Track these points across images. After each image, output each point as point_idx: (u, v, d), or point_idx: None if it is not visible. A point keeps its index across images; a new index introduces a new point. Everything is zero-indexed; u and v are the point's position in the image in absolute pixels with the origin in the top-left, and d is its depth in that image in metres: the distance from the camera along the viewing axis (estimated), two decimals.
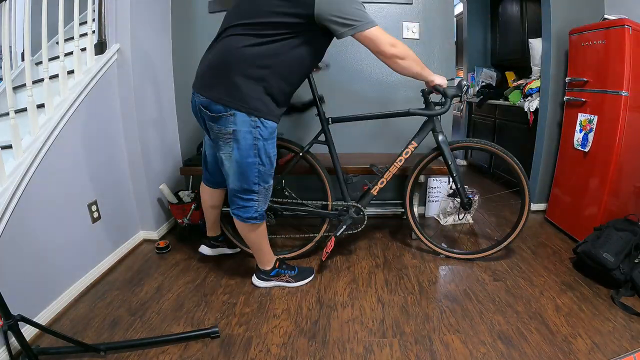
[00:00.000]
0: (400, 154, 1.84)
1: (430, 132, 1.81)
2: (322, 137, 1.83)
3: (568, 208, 2.29)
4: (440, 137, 1.80)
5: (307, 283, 1.76)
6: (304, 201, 1.93)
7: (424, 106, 1.81)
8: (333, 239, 1.87)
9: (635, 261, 1.66)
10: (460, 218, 2.49)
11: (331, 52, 2.37)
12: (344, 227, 1.89)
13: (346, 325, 1.49)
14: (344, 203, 1.89)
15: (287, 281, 1.74)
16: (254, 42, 1.28)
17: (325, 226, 1.95)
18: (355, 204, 1.88)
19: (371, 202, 1.92)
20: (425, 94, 1.79)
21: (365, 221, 1.91)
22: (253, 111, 1.32)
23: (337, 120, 1.82)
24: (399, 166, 1.85)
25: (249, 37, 1.28)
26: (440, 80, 1.60)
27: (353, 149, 2.46)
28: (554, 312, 1.54)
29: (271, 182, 1.52)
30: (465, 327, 1.46)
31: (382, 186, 1.88)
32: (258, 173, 1.43)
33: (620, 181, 1.95)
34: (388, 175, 1.86)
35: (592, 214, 2.05)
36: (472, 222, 2.54)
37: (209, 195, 1.79)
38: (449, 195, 2.02)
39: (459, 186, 1.86)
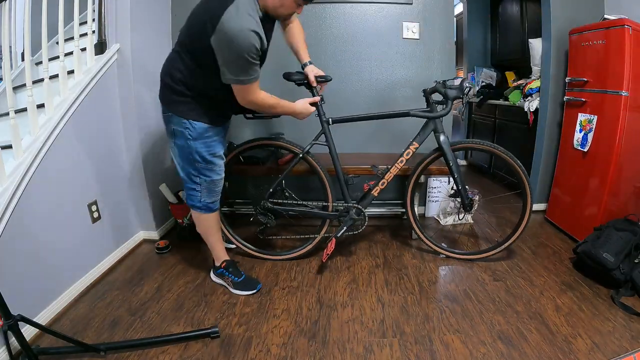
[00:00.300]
0: (402, 155, 1.84)
1: (432, 132, 1.81)
2: (322, 138, 1.83)
3: (568, 208, 2.29)
4: (442, 138, 1.79)
5: (246, 294, 1.69)
6: (304, 202, 1.93)
7: (425, 105, 1.81)
8: (334, 240, 1.87)
9: (635, 261, 1.66)
10: (460, 218, 2.49)
11: (331, 53, 2.39)
12: (345, 228, 1.89)
13: (346, 325, 1.49)
14: (344, 204, 1.89)
15: (228, 285, 1.74)
16: (177, 60, 1.42)
17: (325, 227, 1.95)
18: (356, 205, 1.88)
19: (371, 202, 1.92)
20: (427, 94, 1.79)
21: (366, 222, 1.91)
22: (181, 114, 1.45)
23: (337, 121, 1.82)
24: (400, 167, 1.85)
25: (177, 55, 1.43)
26: (299, 108, 1.66)
27: (354, 149, 2.46)
28: (554, 312, 1.54)
29: (214, 177, 1.58)
30: (465, 327, 1.46)
31: (383, 187, 1.87)
32: (195, 168, 1.53)
33: (620, 181, 1.95)
34: (389, 176, 1.86)
35: (592, 214, 2.05)
36: (472, 222, 2.54)
37: None
38: (450, 196, 2.02)
39: (460, 187, 1.86)
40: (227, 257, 1.77)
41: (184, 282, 1.81)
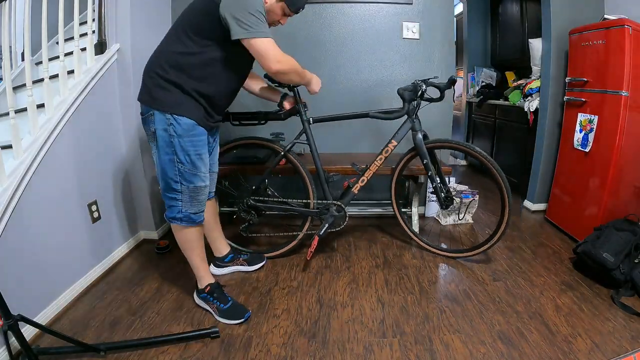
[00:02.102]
0: (381, 153, 1.87)
1: (410, 131, 1.85)
2: (303, 137, 1.85)
3: (568, 208, 2.29)
4: (418, 137, 1.83)
5: (233, 324, 1.50)
6: (286, 199, 1.94)
7: (401, 105, 1.85)
8: (316, 238, 1.88)
9: (635, 261, 1.66)
10: (460, 218, 2.49)
11: (331, 53, 2.39)
12: (326, 225, 1.90)
13: (346, 325, 1.49)
14: (325, 201, 1.90)
15: (214, 312, 1.55)
16: (171, 43, 1.35)
17: (307, 224, 1.96)
18: (337, 202, 1.89)
19: (371, 202, 1.92)
20: (401, 93, 1.82)
21: (347, 219, 1.93)
22: (167, 108, 1.33)
23: (318, 120, 1.84)
24: (379, 164, 1.88)
25: (171, 39, 1.36)
26: (313, 85, 1.67)
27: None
28: (554, 312, 1.54)
29: (198, 183, 1.43)
30: (465, 327, 1.46)
31: (363, 184, 1.90)
32: (178, 171, 1.39)
33: (620, 181, 1.95)
34: (369, 174, 1.89)
35: (592, 214, 2.05)
36: (472, 222, 2.54)
37: None
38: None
39: (435, 184, 1.88)
40: (211, 280, 1.59)
41: (184, 282, 1.81)
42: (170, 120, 1.34)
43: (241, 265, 1.90)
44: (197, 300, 1.62)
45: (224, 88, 1.45)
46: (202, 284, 1.58)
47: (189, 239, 1.52)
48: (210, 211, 1.74)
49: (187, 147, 1.37)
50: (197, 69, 1.34)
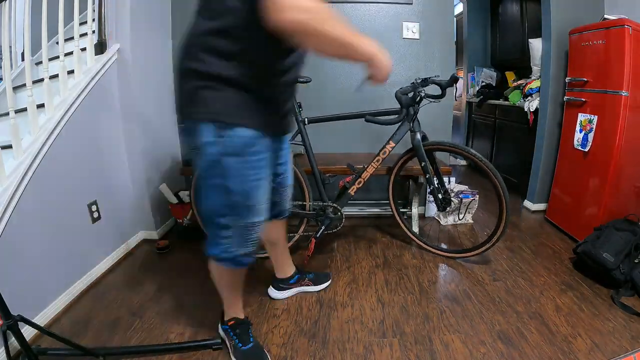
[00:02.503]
0: (378, 154, 1.87)
1: (408, 132, 1.84)
2: (299, 138, 1.85)
3: (568, 208, 2.29)
4: (417, 138, 1.82)
5: None
6: None
7: (399, 107, 1.83)
8: (313, 240, 1.88)
9: (635, 261, 1.66)
10: (460, 218, 2.49)
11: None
12: (323, 227, 1.89)
13: (346, 325, 1.49)
14: (321, 203, 1.89)
15: (230, 348, 1.33)
16: (197, 25, 0.96)
17: (303, 226, 1.96)
18: (333, 204, 1.89)
19: (370, 202, 1.92)
20: (398, 97, 1.81)
21: (343, 221, 1.92)
22: (215, 115, 0.95)
23: (313, 120, 1.84)
24: (376, 166, 1.87)
25: (195, 22, 0.97)
26: (375, 64, 0.92)
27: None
28: (554, 312, 1.54)
29: (253, 219, 1.07)
30: (465, 327, 1.46)
31: (359, 186, 1.89)
32: (227, 203, 1.04)
33: (620, 181, 1.95)
34: (366, 175, 1.88)
35: (592, 214, 2.05)
36: (472, 222, 2.54)
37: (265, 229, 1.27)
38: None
39: (432, 186, 1.88)
40: (239, 314, 1.35)
41: (184, 282, 1.81)
42: (220, 132, 0.96)
43: (306, 285, 1.71)
44: (220, 330, 1.41)
45: (275, 62, 0.98)
46: (228, 316, 1.36)
47: (229, 281, 1.26)
48: (280, 231, 1.55)
49: (243, 171, 1.00)
50: (232, 44, 0.91)
